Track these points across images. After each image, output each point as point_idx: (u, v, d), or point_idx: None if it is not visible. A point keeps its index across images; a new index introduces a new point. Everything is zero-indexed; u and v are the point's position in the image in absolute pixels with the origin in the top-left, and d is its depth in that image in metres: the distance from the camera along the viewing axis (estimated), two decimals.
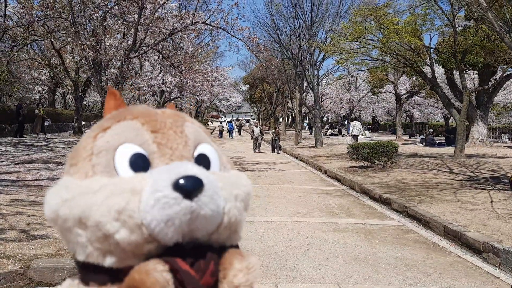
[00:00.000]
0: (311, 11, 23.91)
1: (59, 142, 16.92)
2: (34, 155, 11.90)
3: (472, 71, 23.46)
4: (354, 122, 24.53)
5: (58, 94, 35.34)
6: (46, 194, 0.63)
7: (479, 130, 20.66)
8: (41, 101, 23.76)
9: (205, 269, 0.60)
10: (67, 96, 37.13)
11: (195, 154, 0.66)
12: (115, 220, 0.56)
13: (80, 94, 20.74)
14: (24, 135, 18.69)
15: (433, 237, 5.87)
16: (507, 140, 28.14)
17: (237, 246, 0.68)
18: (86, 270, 0.62)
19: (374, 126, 53.49)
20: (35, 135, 19.34)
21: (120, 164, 0.61)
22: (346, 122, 43.13)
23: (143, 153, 0.62)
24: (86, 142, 0.66)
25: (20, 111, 18.19)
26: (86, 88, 21.81)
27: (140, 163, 0.62)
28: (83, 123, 23.32)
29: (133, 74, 11.97)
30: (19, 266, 3.80)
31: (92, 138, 0.65)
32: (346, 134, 39.28)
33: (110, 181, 0.59)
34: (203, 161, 0.66)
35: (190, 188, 0.56)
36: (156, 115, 0.67)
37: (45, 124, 20.70)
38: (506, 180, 9.89)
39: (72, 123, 22.92)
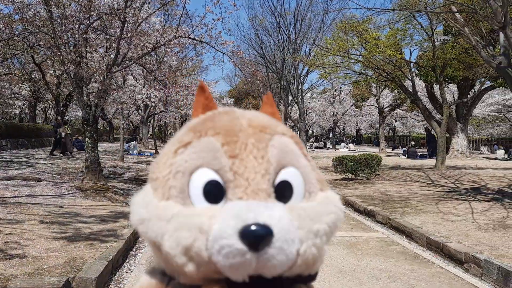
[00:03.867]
0: (295, 25, 24.25)
1: (40, 158, 16.61)
2: (14, 171, 11.66)
3: (452, 84, 23.97)
4: None
5: (39, 109, 34.82)
6: (131, 201, 0.67)
7: (459, 142, 21.05)
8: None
9: None
10: (48, 111, 36.62)
11: (277, 181, 0.62)
12: (183, 255, 0.57)
13: (61, 108, 20.52)
14: (68, 153, 18.67)
15: (416, 249, 5.90)
16: (486, 151, 28.71)
17: (315, 275, 0.66)
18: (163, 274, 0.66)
19: (357, 139, 54.06)
20: (68, 153, 19.11)
21: (194, 192, 0.61)
22: (331, 135, 43.46)
23: (219, 180, 0.60)
24: (167, 156, 0.66)
25: (57, 130, 18.35)
26: (68, 103, 21.62)
27: (214, 192, 0.60)
28: None
29: (115, 87, 11.88)
30: None
31: (173, 153, 0.65)
32: (330, 147, 39.61)
33: (182, 212, 0.59)
34: (284, 189, 0.62)
35: (257, 240, 0.53)
36: (239, 133, 0.63)
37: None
38: (486, 191, 10.06)
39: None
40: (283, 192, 0.62)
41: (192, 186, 0.61)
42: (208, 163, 0.61)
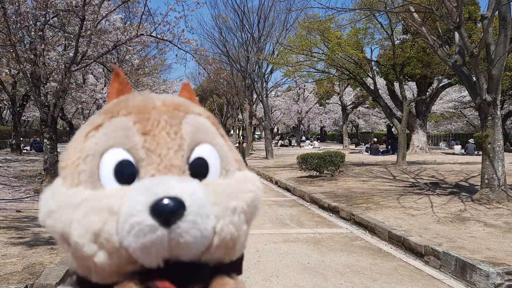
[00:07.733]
0: (258, 24, 24.27)
1: None
2: None
3: (411, 82, 24.73)
4: None
5: None
6: (40, 197, 0.59)
7: (419, 138, 21.76)
8: None
9: None
10: (4, 111, 35.09)
11: (192, 158, 0.59)
12: (92, 242, 0.52)
13: (18, 109, 19.68)
14: None
15: (378, 243, 6.06)
16: (444, 147, 29.83)
17: (238, 260, 0.66)
18: (79, 279, 0.59)
19: (322, 136, 54.89)
20: None
21: (104, 173, 0.56)
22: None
23: (131, 160, 0.57)
24: (77, 141, 0.61)
25: None
26: (25, 103, 20.76)
27: (126, 172, 0.56)
28: (22, 139, 22.11)
29: (74, 87, 11.51)
30: None
31: (84, 137, 0.60)
32: (296, 144, 40.03)
33: (91, 195, 0.54)
34: (199, 167, 0.60)
35: (167, 214, 0.50)
36: (152, 110, 0.60)
37: None
38: (444, 186, 10.46)
39: (10, 140, 21.63)
40: (198, 169, 0.59)
41: (102, 168, 0.57)
42: (119, 143, 0.57)
